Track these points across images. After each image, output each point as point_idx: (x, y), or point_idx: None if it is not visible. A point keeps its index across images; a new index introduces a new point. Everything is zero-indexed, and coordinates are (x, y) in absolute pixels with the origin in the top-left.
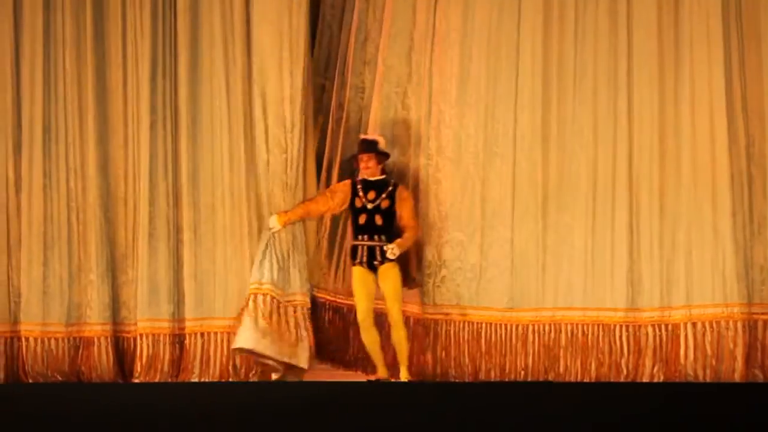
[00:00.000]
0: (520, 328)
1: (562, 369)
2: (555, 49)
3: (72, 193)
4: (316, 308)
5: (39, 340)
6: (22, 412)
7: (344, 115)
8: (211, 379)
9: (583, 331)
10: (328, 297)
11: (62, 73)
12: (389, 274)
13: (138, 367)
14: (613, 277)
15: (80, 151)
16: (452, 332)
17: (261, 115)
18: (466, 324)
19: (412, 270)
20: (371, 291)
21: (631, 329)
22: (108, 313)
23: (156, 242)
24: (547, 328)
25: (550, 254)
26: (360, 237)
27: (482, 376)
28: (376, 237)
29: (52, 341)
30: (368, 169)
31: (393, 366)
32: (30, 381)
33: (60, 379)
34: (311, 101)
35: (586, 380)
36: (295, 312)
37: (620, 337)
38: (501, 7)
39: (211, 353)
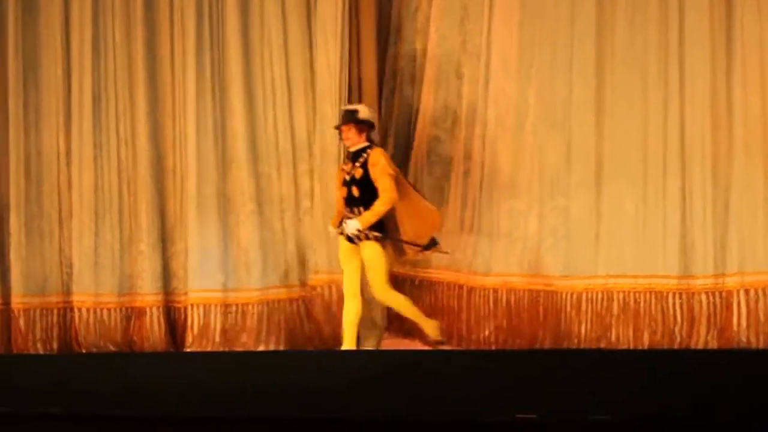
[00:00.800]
0: (574, 296)
1: (614, 337)
2: (609, 17)
3: (122, 163)
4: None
5: (91, 311)
6: (76, 382)
7: (396, 85)
8: (264, 348)
9: (635, 299)
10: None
11: (112, 44)
12: (367, 253)
13: (189, 337)
14: (666, 245)
15: (130, 121)
16: (513, 301)
17: (310, 85)
18: (526, 292)
19: (405, 235)
20: (352, 263)
21: (684, 296)
22: (159, 284)
23: (206, 212)
24: (599, 296)
25: (604, 222)
26: (346, 209)
27: (539, 344)
28: (354, 210)
29: (104, 312)
30: (348, 140)
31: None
32: (83, 351)
33: (113, 349)
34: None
35: (639, 348)
36: None
37: (673, 304)
38: None
39: (274, 321)
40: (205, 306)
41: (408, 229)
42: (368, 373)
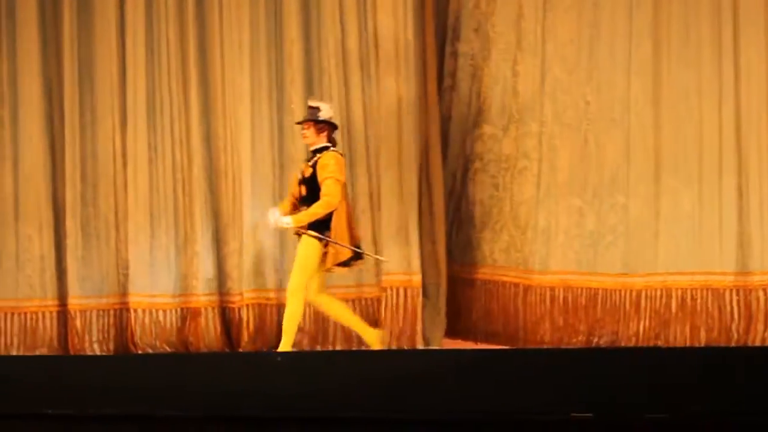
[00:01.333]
0: (633, 293)
1: (672, 335)
2: (665, 12)
3: (177, 165)
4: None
5: (147, 312)
6: (132, 383)
7: (453, 83)
8: (321, 348)
9: (692, 296)
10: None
11: (165, 46)
12: (300, 245)
13: (245, 336)
14: (722, 241)
15: (185, 123)
16: (570, 299)
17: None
18: (584, 290)
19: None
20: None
21: (741, 293)
22: (214, 284)
23: (260, 212)
24: (658, 293)
25: (662, 219)
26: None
27: (595, 342)
28: (301, 207)
29: (160, 312)
30: (306, 138)
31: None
32: (139, 352)
33: (168, 349)
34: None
35: (696, 345)
36: None
37: (730, 301)
38: None
39: (329, 321)
40: (260, 306)
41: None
42: (423, 372)
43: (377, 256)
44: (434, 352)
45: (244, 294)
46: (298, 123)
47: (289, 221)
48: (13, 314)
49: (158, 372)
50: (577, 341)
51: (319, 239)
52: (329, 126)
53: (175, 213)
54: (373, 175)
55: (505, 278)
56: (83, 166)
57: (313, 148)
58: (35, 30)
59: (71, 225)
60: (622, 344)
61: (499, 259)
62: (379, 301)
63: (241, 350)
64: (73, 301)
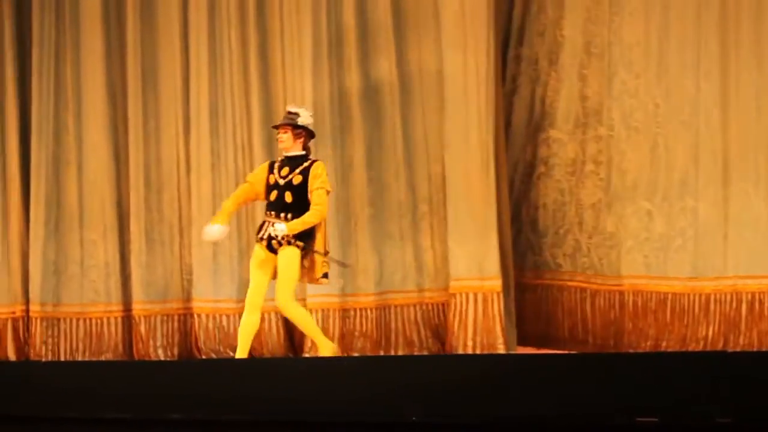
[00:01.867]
0: (702, 297)
1: (741, 339)
2: (733, 12)
3: (239, 170)
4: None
5: (210, 317)
6: (196, 388)
7: (514, 87)
8: (393, 353)
9: (761, 300)
10: None
11: (228, 52)
12: (283, 257)
13: (308, 342)
14: None
15: (247, 129)
16: (639, 303)
17: (428, 89)
18: (653, 294)
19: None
20: (266, 273)
21: None
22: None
23: None
24: (728, 297)
25: (731, 222)
26: (267, 213)
27: (663, 347)
28: (282, 215)
29: (224, 318)
30: (281, 142)
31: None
32: (203, 357)
33: (232, 354)
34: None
35: (765, 350)
36: None
37: None
38: None
39: (392, 326)
40: (323, 311)
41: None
42: (491, 376)
43: (342, 262)
44: (497, 357)
45: (307, 299)
46: (275, 126)
47: (284, 228)
48: (78, 320)
49: (222, 377)
50: (646, 346)
51: (304, 249)
52: (306, 132)
53: (238, 218)
54: (434, 177)
55: (570, 283)
56: (147, 172)
57: (288, 153)
58: (99, 37)
59: (135, 230)
60: (690, 348)
61: (564, 264)
62: (444, 306)
63: (303, 356)
64: (138, 307)
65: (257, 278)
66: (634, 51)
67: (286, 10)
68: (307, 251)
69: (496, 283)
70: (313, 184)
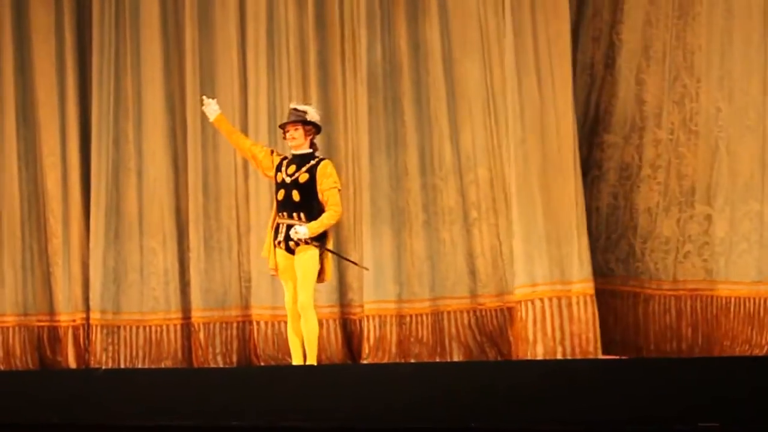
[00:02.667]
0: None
1: None
2: None
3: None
4: None
5: (269, 324)
6: (255, 395)
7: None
8: (448, 359)
9: None
10: None
11: (286, 60)
12: (302, 257)
13: (366, 348)
14: None
15: None
16: (698, 308)
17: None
18: (714, 299)
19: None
20: (291, 276)
21: None
22: (335, 296)
23: (379, 224)
24: None
25: None
26: (280, 214)
27: (730, 352)
28: (294, 215)
29: (282, 324)
30: (293, 140)
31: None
32: (262, 364)
33: (290, 361)
34: None
35: None
36: None
37: None
38: None
39: (446, 332)
40: (380, 317)
41: None
42: (545, 383)
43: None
44: (555, 363)
45: (365, 305)
46: (283, 125)
47: (306, 231)
48: (138, 327)
49: (281, 384)
50: (709, 350)
51: (321, 248)
52: (315, 129)
53: None
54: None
55: (622, 288)
56: (205, 180)
57: (298, 151)
58: (158, 45)
59: (194, 238)
60: (755, 353)
61: (616, 268)
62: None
63: (362, 362)
64: (197, 314)
65: (289, 286)
66: (697, 54)
67: (347, 19)
68: (323, 251)
69: (588, 286)
70: (324, 183)
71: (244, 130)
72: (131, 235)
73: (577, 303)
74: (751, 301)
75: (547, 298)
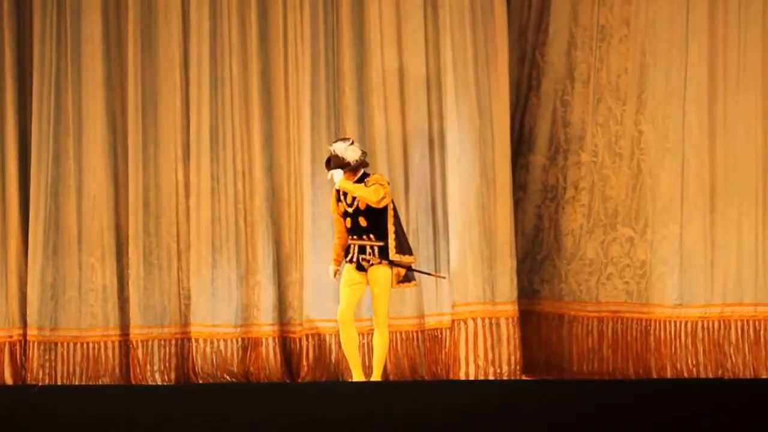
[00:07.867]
0: (689, 324)
1: (731, 366)
2: (721, 41)
3: (239, 195)
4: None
5: (208, 341)
6: (193, 414)
7: None
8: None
9: (755, 327)
10: None
11: (229, 78)
12: (377, 274)
13: (305, 367)
14: None
15: (247, 154)
16: (619, 330)
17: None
18: (635, 321)
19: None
20: (356, 290)
21: None
22: (275, 314)
23: (321, 242)
24: (716, 324)
25: (718, 249)
26: (351, 237)
27: (651, 374)
28: (365, 237)
29: (221, 342)
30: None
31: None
32: (200, 381)
33: (229, 379)
34: None
35: (759, 377)
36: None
37: None
38: (670, 1)
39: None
40: (320, 336)
41: None
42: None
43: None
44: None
45: (304, 324)
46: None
47: (341, 176)
48: (75, 344)
49: (219, 402)
50: (629, 373)
51: (424, 272)
52: (362, 164)
53: (237, 243)
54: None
55: (547, 309)
56: (146, 197)
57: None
58: (100, 62)
59: (133, 255)
60: (673, 375)
61: (542, 289)
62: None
63: (300, 380)
64: (135, 331)
65: (348, 295)
66: (621, 77)
67: (290, 36)
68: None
69: (511, 308)
70: (369, 182)
71: (186, 148)
72: (70, 251)
73: (506, 324)
74: (672, 323)
75: (479, 318)
